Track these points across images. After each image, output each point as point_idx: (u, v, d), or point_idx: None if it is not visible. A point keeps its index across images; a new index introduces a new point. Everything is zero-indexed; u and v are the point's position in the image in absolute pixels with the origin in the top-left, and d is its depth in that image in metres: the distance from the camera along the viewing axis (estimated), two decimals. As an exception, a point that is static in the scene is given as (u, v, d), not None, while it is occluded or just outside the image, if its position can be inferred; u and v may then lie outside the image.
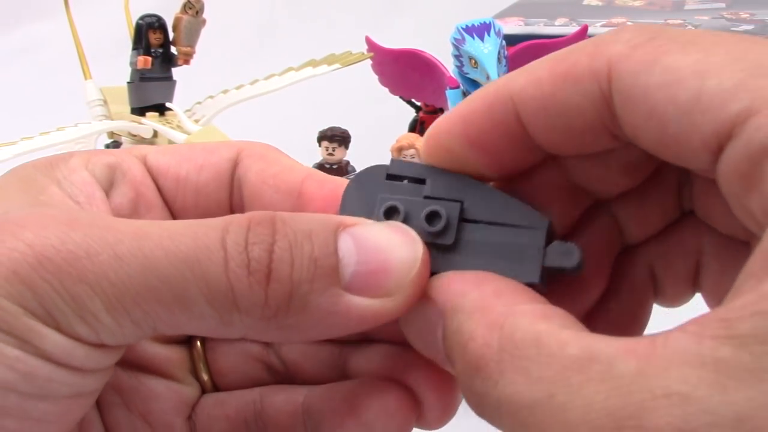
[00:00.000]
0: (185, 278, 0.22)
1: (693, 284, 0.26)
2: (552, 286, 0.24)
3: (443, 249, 0.24)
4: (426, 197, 0.25)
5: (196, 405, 0.29)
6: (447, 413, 0.27)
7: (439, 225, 0.24)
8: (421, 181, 0.25)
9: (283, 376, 0.29)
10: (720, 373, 0.17)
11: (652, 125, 0.21)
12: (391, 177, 0.25)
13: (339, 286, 0.23)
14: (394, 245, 0.23)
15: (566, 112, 0.23)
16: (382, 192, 0.25)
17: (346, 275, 0.23)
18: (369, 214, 0.25)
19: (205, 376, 0.29)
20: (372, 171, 0.26)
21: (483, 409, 0.21)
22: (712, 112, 0.19)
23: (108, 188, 0.28)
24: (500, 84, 0.24)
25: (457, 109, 0.25)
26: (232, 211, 0.29)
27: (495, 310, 0.21)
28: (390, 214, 0.25)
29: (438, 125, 0.25)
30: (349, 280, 0.23)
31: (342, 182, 0.28)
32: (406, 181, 0.25)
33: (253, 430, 0.29)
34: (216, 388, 0.29)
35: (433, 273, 0.24)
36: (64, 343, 0.22)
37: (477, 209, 0.24)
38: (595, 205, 0.26)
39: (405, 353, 0.27)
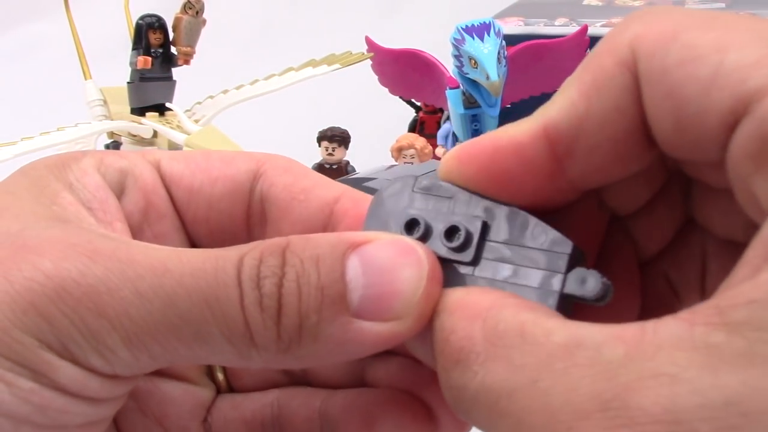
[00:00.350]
0: (205, 317, 0.22)
1: (703, 290, 0.26)
2: (589, 313, 0.23)
3: (462, 267, 0.23)
4: (449, 213, 0.24)
5: (211, 407, 0.29)
6: (461, 430, 0.27)
7: (458, 241, 0.23)
8: (448, 199, 0.24)
9: (299, 378, 0.29)
10: (712, 356, 0.17)
11: (670, 107, 0.20)
12: (418, 191, 0.25)
13: (348, 313, 0.22)
14: (398, 266, 0.23)
15: (606, 122, 0.21)
16: (408, 206, 0.25)
17: (354, 301, 0.22)
18: (392, 228, 0.24)
19: (220, 376, 0.29)
20: (399, 184, 0.25)
21: (460, 404, 0.20)
22: (731, 88, 0.18)
23: (119, 193, 0.27)
24: (531, 122, 0.23)
25: (483, 144, 0.24)
26: (249, 226, 0.29)
27: (478, 305, 0.21)
28: (411, 227, 0.24)
29: (459, 157, 0.24)
30: (358, 305, 0.22)
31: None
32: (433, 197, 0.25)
33: None
34: (231, 389, 0.29)
35: None
36: (78, 375, 0.22)
37: (500, 229, 0.23)
38: (610, 222, 0.26)
39: (423, 368, 0.26)
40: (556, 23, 0.79)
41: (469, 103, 0.71)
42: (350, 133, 0.76)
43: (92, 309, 0.21)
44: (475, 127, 0.71)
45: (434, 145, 0.75)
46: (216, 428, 0.28)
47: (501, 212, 0.23)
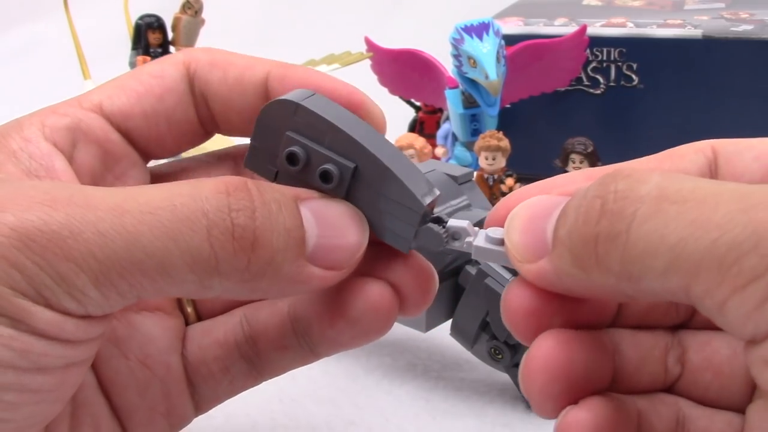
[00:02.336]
0: (168, 249, 0.23)
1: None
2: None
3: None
4: (327, 148, 0.26)
5: (184, 340, 0.30)
6: (426, 299, 0.28)
7: (331, 185, 0.26)
8: (324, 132, 0.26)
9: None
10: None
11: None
12: (299, 118, 0.27)
13: (304, 257, 0.25)
14: (350, 225, 0.26)
15: None
16: (290, 128, 0.26)
17: (309, 247, 0.25)
18: (275, 149, 0.27)
19: (189, 309, 0.30)
20: (286, 104, 0.27)
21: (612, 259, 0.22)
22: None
23: (71, 151, 0.28)
24: None
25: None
26: (203, 127, 0.30)
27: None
28: (291, 159, 0.27)
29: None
30: (311, 251, 0.25)
31: (303, 73, 0.29)
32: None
33: (245, 350, 0.30)
34: (200, 320, 0.31)
35: None
36: (54, 318, 0.23)
37: (367, 176, 0.26)
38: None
39: (381, 252, 0.28)
40: (556, 23, 0.79)
41: (469, 102, 0.71)
42: (350, 133, 0.76)
43: (58, 253, 0.22)
44: (474, 126, 0.71)
45: (434, 145, 0.75)
46: (192, 358, 0.30)
47: (369, 160, 0.26)
